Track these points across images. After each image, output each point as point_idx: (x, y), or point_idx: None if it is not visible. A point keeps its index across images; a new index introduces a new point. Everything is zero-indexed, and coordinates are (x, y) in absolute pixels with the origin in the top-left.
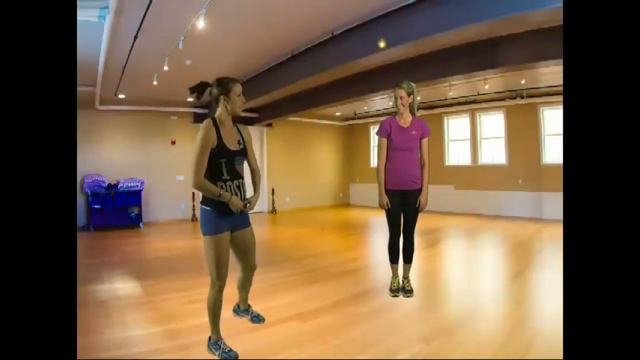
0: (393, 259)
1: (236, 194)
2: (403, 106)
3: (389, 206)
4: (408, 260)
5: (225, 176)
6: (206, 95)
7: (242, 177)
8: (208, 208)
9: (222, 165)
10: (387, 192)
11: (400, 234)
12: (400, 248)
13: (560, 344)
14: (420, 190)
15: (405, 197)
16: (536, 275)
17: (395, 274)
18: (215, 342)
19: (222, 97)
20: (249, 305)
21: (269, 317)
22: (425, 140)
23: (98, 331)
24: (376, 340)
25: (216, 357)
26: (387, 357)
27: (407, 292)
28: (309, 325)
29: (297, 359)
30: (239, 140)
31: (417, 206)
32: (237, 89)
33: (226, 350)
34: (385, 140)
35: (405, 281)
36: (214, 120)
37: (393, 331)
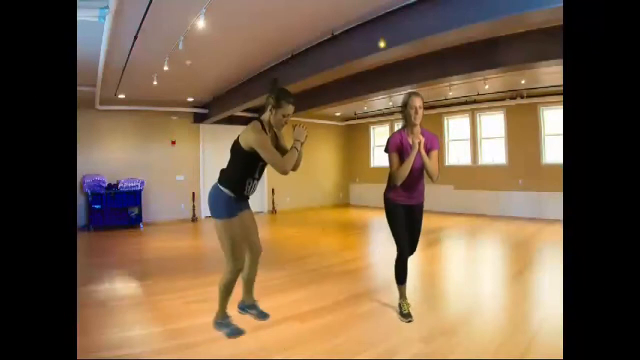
0: (402, 280)
1: (253, 191)
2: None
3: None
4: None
5: (256, 175)
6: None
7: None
8: (226, 191)
9: (257, 167)
10: (394, 204)
11: (409, 251)
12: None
13: (560, 344)
14: (422, 203)
15: (411, 210)
16: (536, 275)
17: (404, 296)
18: (221, 320)
19: (270, 107)
20: (255, 301)
21: None
22: (434, 153)
23: (98, 331)
24: (376, 340)
25: (224, 335)
26: (387, 357)
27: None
28: (309, 325)
29: (297, 359)
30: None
31: (421, 219)
32: (285, 109)
33: (233, 327)
34: (397, 156)
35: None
36: (261, 123)
37: (393, 331)
